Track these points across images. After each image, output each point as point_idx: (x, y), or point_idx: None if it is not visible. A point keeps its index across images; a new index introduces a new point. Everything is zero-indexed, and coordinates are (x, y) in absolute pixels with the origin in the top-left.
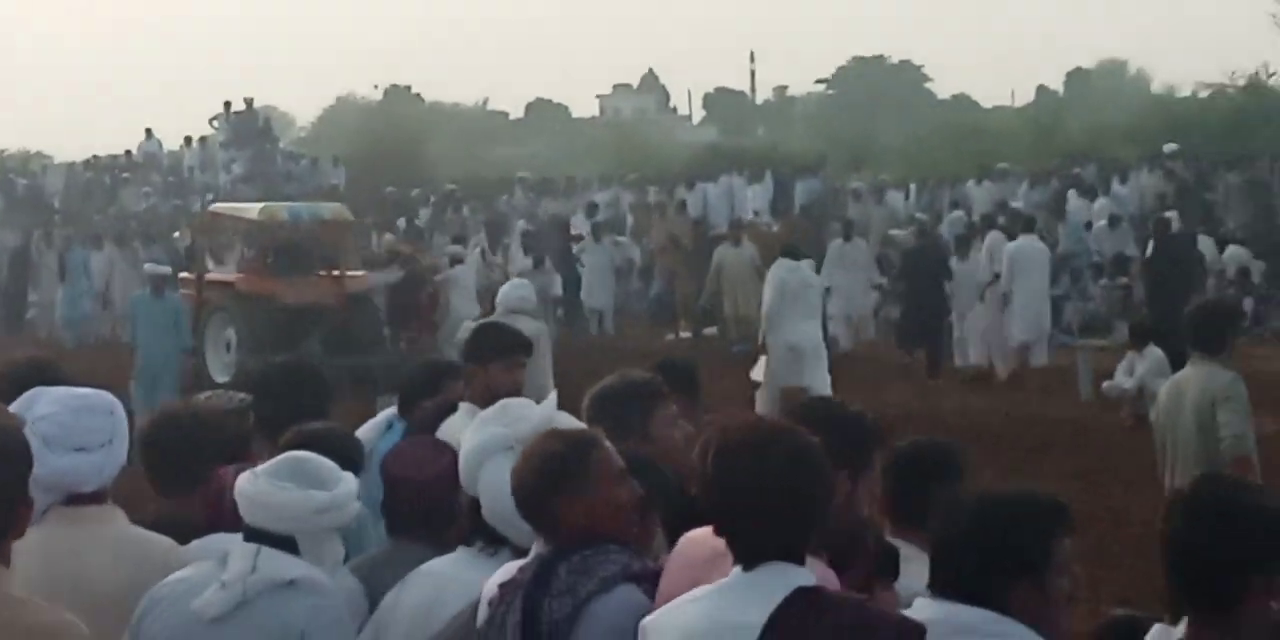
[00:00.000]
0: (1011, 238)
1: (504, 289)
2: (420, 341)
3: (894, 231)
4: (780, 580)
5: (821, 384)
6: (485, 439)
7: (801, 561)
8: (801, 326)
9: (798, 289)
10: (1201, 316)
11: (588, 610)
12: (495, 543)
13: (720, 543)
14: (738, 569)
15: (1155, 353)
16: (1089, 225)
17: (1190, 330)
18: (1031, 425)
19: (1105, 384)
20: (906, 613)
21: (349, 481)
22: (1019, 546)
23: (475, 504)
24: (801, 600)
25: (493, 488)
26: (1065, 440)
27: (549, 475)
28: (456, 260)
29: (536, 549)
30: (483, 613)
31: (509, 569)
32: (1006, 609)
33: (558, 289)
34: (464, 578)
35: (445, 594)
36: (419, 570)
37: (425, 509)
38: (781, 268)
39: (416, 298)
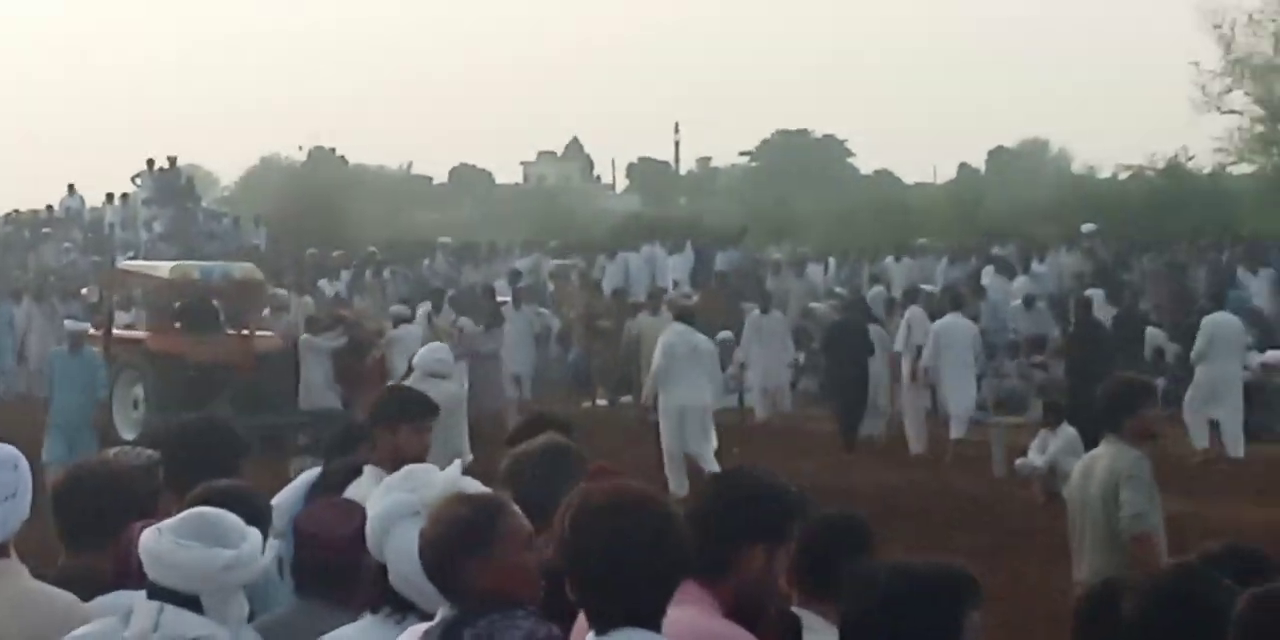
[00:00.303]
0: (931, 314)
1: (421, 352)
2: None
3: (813, 304)
4: None
5: (704, 449)
6: (391, 505)
7: (656, 628)
8: (687, 390)
9: (686, 353)
10: (1109, 394)
11: None
12: (402, 609)
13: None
14: (592, 634)
15: (1068, 431)
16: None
17: (1100, 408)
18: (944, 500)
19: (1018, 461)
20: None
21: (254, 539)
22: (930, 620)
23: (383, 569)
24: None
25: (399, 553)
26: (977, 515)
27: (456, 539)
28: (402, 320)
29: (442, 613)
30: None
31: (414, 633)
32: None
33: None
34: None
35: None
36: (326, 637)
37: (333, 569)
38: (671, 332)
39: (362, 361)
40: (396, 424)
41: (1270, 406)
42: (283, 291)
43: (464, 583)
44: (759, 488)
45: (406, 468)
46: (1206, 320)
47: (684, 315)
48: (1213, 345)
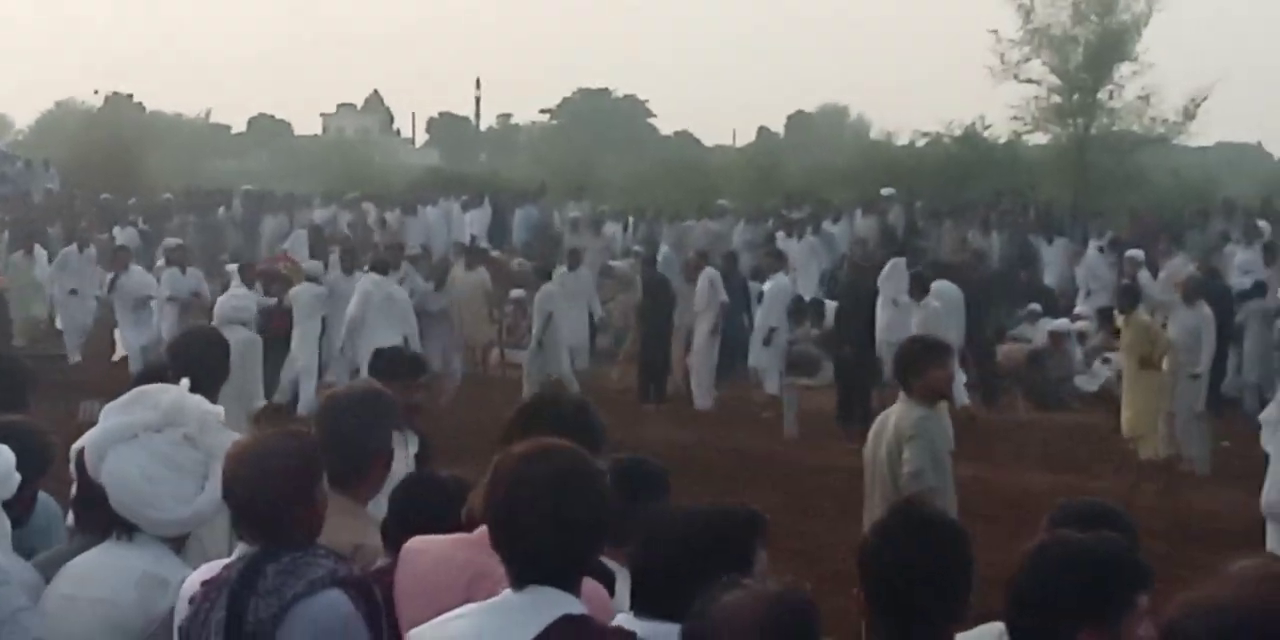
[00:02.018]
0: (724, 274)
1: (221, 300)
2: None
3: (613, 262)
4: (547, 606)
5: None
6: (109, 428)
7: (574, 589)
8: (382, 337)
9: (381, 302)
10: (901, 355)
11: (293, 612)
12: (128, 529)
13: (443, 551)
14: (508, 590)
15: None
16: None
17: (896, 369)
18: (735, 458)
19: None
20: None
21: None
22: (721, 558)
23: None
24: (566, 628)
25: (114, 476)
26: (768, 474)
27: (291, 477)
28: (312, 277)
29: (242, 548)
30: (183, 609)
31: (212, 567)
32: None
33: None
34: (107, 564)
35: (87, 583)
36: (70, 565)
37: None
38: (368, 281)
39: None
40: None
41: (1058, 374)
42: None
43: (287, 521)
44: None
45: (136, 390)
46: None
47: (378, 266)
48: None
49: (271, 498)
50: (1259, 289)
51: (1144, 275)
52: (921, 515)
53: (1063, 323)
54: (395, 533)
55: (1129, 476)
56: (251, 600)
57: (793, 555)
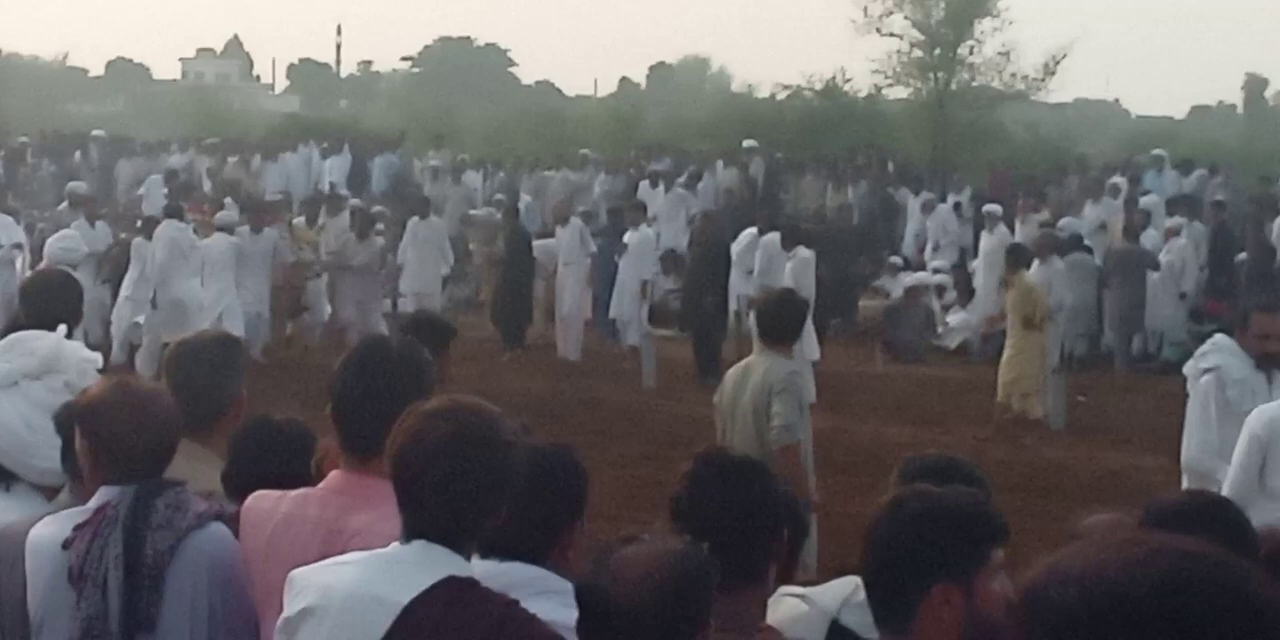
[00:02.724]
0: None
1: (50, 242)
2: None
3: (473, 211)
4: (435, 564)
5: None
6: None
7: (464, 551)
8: (188, 284)
9: (186, 249)
10: (769, 308)
11: (186, 544)
12: (4, 479)
13: (292, 509)
14: (397, 542)
15: None
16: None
17: (758, 320)
18: (593, 409)
19: None
20: None
21: None
22: (566, 496)
23: None
24: (451, 590)
25: None
26: (625, 425)
27: (170, 417)
28: (222, 227)
29: (108, 493)
30: (47, 556)
31: (69, 515)
32: (557, 559)
33: None
34: None
35: None
36: None
37: None
38: (171, 228)
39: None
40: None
41: (912, 327)
42: None
43: (153, 461)
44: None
45: (11, 337)
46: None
47: (175, 213)
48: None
49: (154, 437)
50: (1075, 242)
51: (1001, 230)
52: (731, 460)
53: (921, 276)
54: (239, 481)
55: (995, 432)
56: (147, 534)
57: (652, 506)
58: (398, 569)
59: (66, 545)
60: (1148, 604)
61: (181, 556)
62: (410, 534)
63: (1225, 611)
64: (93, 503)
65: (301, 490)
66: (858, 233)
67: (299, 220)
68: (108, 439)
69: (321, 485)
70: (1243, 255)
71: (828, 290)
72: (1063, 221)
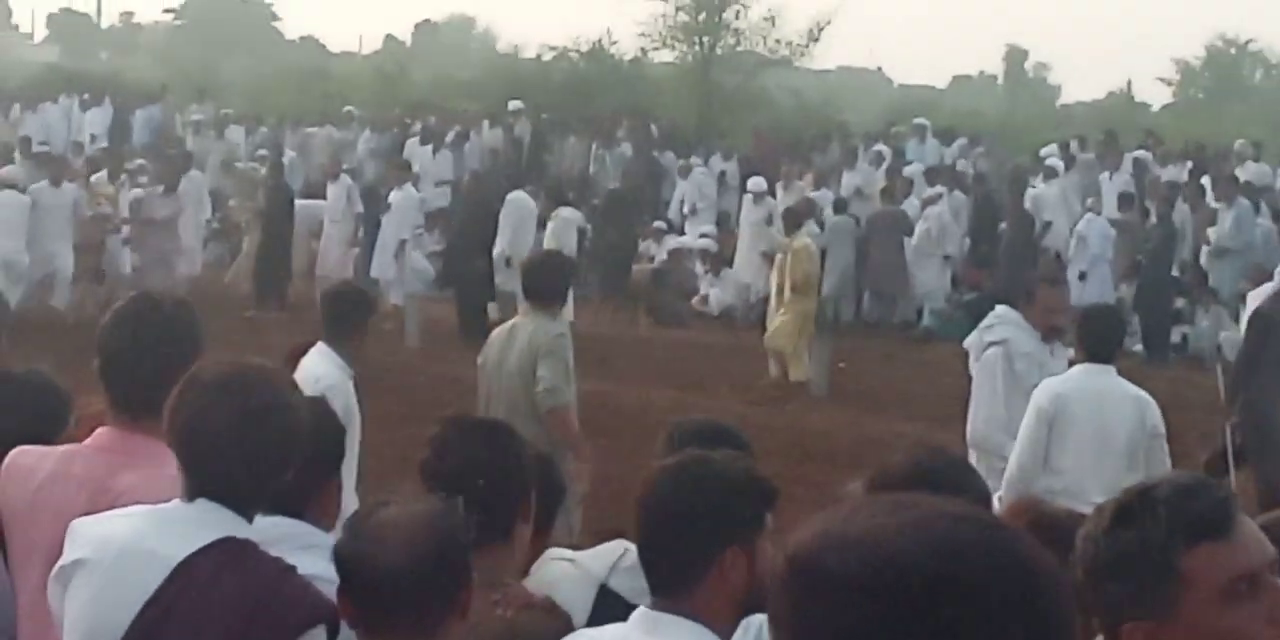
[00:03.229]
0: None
1: None
2: None
3: (238, 164)
4: (214, 524)
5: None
6: None
7: (246, 513)
8: (7, 243)
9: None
10: (533, 270)
11: None
12: None
13: (57, 466)
14: (178, 500)
15: None
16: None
17: (523, 281)
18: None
19: None
20: None
21: None
22: (322, 451)
23: None
24: (227, 549)
25: None
26: (390, 385)
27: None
28: (10, 184)
29: None
30: None
31: None
32: (316, 513)
33: None
34: None
35: None
36: None
37: None
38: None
39: None
40: None
41: (677, 291)
42: None
43: None
44: None
45: None
46: None
47: None
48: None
49: None
50: (840, 206)
51: (767, 201)
52: (476, 422)
53: (685, 240)
54: None
55: (760, 396)
56: None
57: (415, 466)
58: (176, 526)
59: None
60: (928, 568)
61: None
62: (193, 493)
63: (1002, 572)
64: None
65: (67, 447)
66: (622, 196)
67: (99, 175)
68: None
69: (88, 443)
70: (1004, 226)
71: (592, 252)
72: (816, 193)
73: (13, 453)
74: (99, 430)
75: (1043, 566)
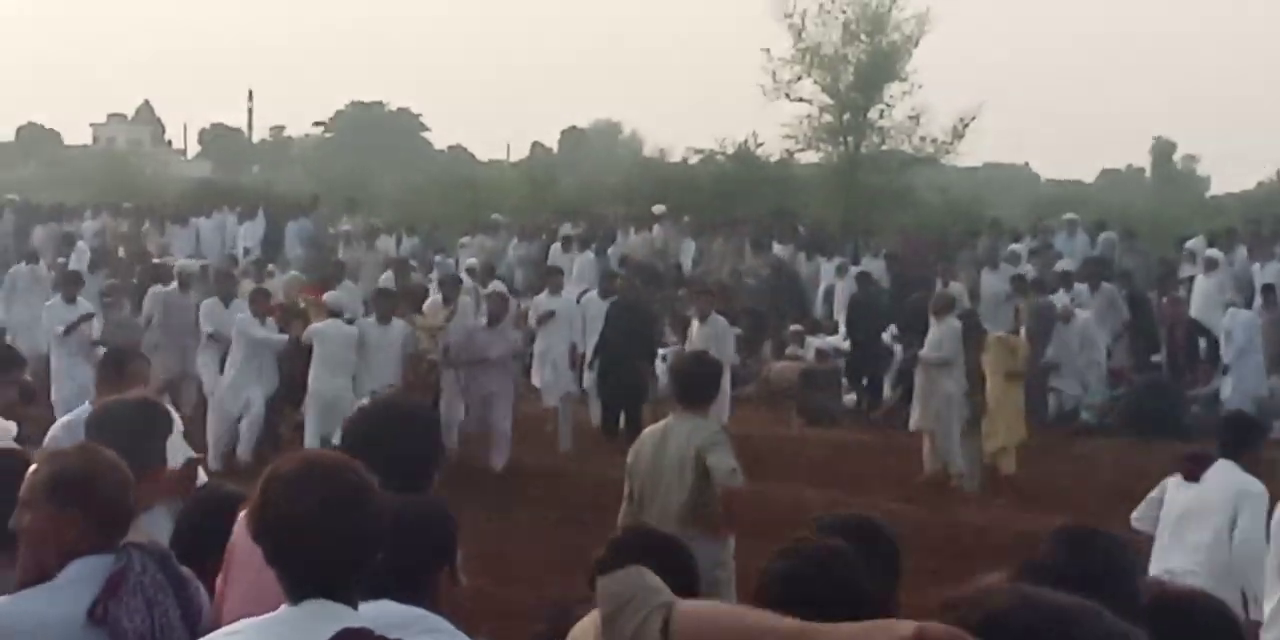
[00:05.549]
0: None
1: None
2: None
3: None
4: (326, 619)
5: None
6: None
7: (350, 601)
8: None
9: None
10: (686, 371)
11: (198, 597)
12: None
13: None
14: (286, 605)
15: None
16: None
17: (674, 382)
18: (511, 475)
19: None
20: None
21: None
22: (435, 542)
23: None
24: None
25: None
26: (547, 489)
27: (128, 481)
28: (336, 312)
29: (95, 564)
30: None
31: (52, 590)
32: (430, 601)
33: None
34: None
35: None
36: None
37: None
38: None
39: None
40: None
41: (824, 390)
42: None
43: (125, 522)
44: None
45: None
46: None
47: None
48: None
49: (127, 503)
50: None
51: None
52: (649, 530)
53: (831, 341)
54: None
55: (911, 492)
56: (192, 594)
57: (565, 571)
58: (294, 630)
59: (100, 619)
60: None
61: (205, 613)
62: (296, 595)
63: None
64: (81, 574)
65: None
66: (767, 298)
67: (430, 302)
68: (101, 505)
69: None
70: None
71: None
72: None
73: (239, 522)
74: None
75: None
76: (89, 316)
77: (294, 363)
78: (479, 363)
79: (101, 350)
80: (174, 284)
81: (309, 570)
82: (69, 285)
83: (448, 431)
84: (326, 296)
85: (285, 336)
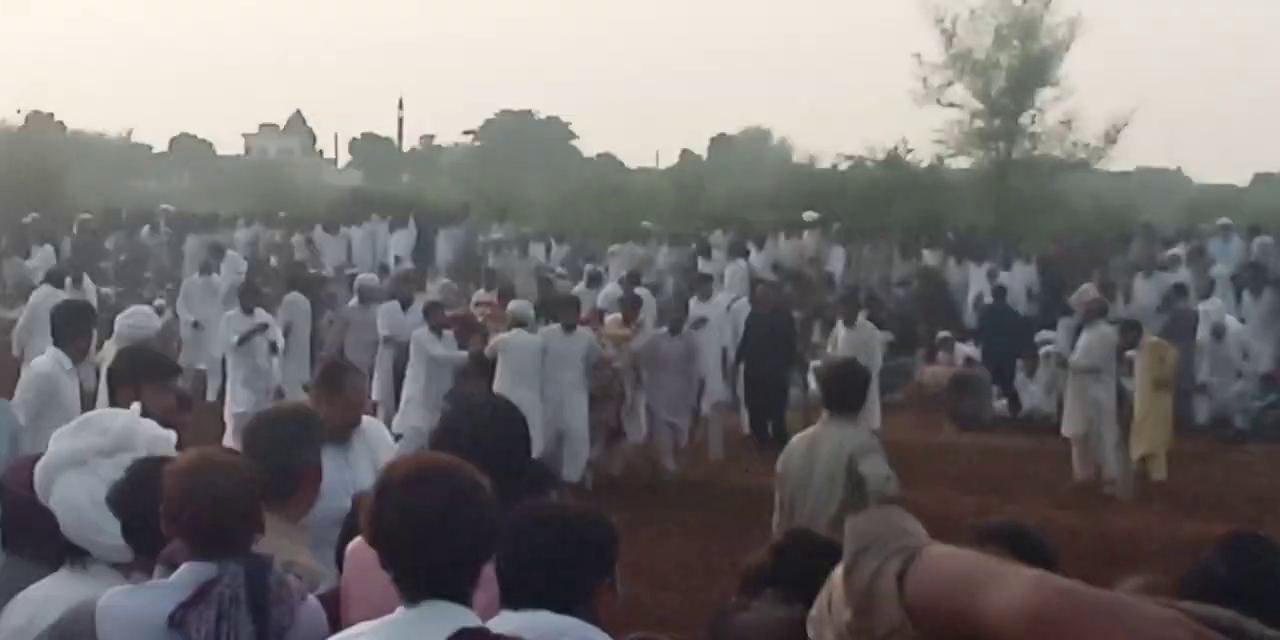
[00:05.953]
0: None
1: (119, 319)
2: None
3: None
4: (443, 620)
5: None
6: (58, 453)
7: (466, 601)
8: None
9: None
10: (834, 378)
11: (298, 619)
12: (80, 556)
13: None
14: (402, 607)
15: None
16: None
17: (822, 389)
18: (664, 483)
19: None
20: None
21: None
22: (599, 553)
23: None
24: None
25: (66, 502)
26: (695, 497)
27: (249, 490)
28: (521, 323)
29: (201, 570)
30: (130, 633)
31: (154, 589)
32: (590, 613)
33: None
34: (59, 596)
35: (42, 614)
36: (23, 595)
37: (43, 528)
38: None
39: None
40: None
41: (976, 396)
42: None
43: (239, 536)
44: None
45: (85, 416)
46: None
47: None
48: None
49: (237, 512)
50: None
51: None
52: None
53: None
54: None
55: (1063, 499)
56: (273, 611)
57: (709, 573)
58: (409, 632)
59: (176, 623)
60: None
61: (295, 634)
62: (412, 597)
63: None
64: (182, 579)
65: None
66: (916, 304)
67: (613, 316)
68: (181, 513)
69: None
70: None
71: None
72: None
73: (352, 547)
74: None
75: None
76: (264, 327)
77: (471, 380)
78: (663, 369)
79: (276, 360)
80: (354, 300)
81: (425, 571)
82: (248, 296)
83: (633, 437)
84: (511, 306)
85: (464, 353)
